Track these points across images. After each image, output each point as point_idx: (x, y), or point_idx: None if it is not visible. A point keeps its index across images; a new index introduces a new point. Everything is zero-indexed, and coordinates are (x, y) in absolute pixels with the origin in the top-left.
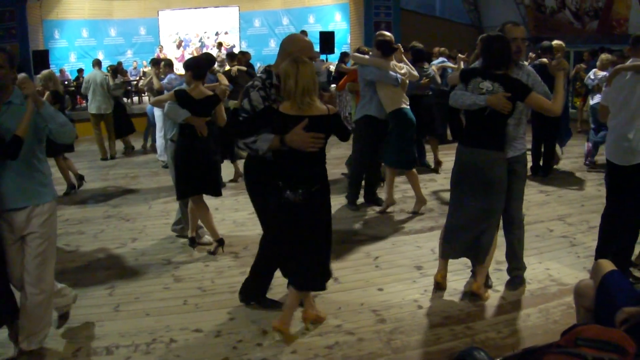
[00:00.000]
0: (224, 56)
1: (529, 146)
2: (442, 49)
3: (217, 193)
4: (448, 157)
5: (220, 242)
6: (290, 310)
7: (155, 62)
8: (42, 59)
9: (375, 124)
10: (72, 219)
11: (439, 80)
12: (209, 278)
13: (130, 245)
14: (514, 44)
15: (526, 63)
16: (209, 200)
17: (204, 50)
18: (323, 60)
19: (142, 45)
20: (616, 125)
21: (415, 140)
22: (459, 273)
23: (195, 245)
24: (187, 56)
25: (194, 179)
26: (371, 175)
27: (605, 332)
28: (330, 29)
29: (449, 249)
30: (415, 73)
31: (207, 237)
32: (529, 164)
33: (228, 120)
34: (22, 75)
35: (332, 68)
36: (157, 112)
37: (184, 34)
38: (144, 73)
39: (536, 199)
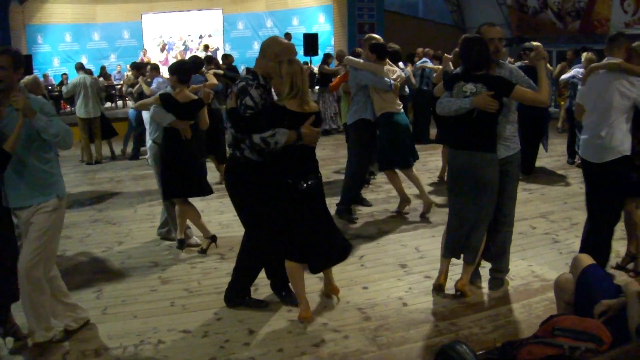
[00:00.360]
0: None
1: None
2: (427, 49)
3: (203, 193)
4: (432, 157)
5: (213, 238)
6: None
7: (135, 66)
8: (26, 64)
9: (372, 127)
10: None
11: (413, 81)
12: (196, 279)
13: (117, 248)
14: (492, 44)
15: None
16: (194, 202)
17: (188, 54)
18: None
19: (125, 49)
20: (590, 123)
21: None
22: None
23: (184, 247)
24: (171, 60)
25: (179, 181)
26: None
27: (581, 322)
28: (313, 30)
29: (450, 252)
30: (403, 74)
31: (195, 239)
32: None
33: (234, 119)
34: (29, 77)
35: (316, 70)
36: (146, 115)
37: (167, 38)
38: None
39: (519, 197)
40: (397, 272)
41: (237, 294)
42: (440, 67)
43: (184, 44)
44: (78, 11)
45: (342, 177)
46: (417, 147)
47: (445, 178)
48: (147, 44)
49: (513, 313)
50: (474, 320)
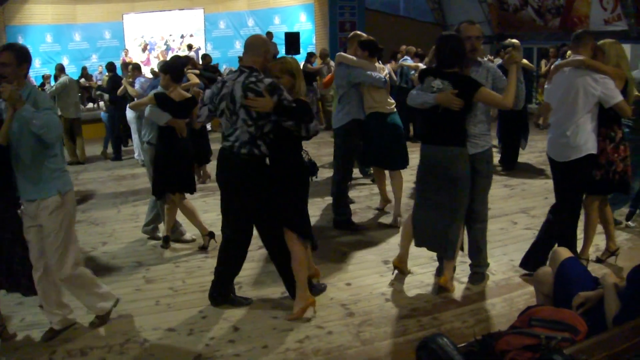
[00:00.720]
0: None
1: (495, 142)
2: (409, 47)
3: (192, 190)
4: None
5: (211, 235)
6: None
7: (110, 67)
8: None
9: (362, 127)
10: None
11: (394, 77)
12: (180, 278)
13: (101, 249)
14: (469, 42)
15: (486, 59)
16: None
17: (170, 53)
18: None
19: (107, 50)
20: (556, 121)
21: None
22: (425, 266)
23: (168, 245)
24: (153, 60)
25: (171, 178)
26: None
27: (557, 313)
28: (295, 29)
29: (418, 239)
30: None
31: (189, 234)
32: (497, 157)
33: (284, 113)
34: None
35: None
36: (130, 114)
37: (149, 38)
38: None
39: (501, 192)
40: (379, 268)
41: (223, 292)
42: (420, 64)
43: (165, 43)
44: (58, 11)
45: (326, 174)
46: None
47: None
48: (129, 44)
49: (495, 307)
50: (456, 315)
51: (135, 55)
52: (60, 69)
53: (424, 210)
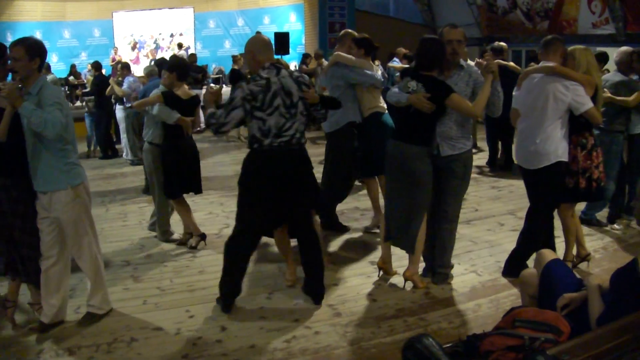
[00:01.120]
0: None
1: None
2: (399, 49)
3: (200, 190)
4: None
5: (203, 236)
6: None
7: (96, 66)
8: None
9: (358, 130)
10: None
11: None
12: (168, 278)
13: None
14: (450, 46)
15: (472, 63)
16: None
17: (159, 52)
18: None
19: (96, 48)
20: (525, 128)
21: None
22: None
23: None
24: (142, 58)
25: (184, 179)
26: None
27: (540, 314)
28: (285, 29)
29: (387, 233)
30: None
31: (176, 235)
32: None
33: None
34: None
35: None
36: (120, 114)
37: (138, 36)
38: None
39: (488, 194)
40: (366, 269)
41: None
42: (406, 66)
43: (155, 42)
44: (48, 9)
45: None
46: None
47: None
48: (118, 42)
49: (481, 308)
50: (443, 315)
51: (125, 54)
52: (46, 68)
53: (391, 205)
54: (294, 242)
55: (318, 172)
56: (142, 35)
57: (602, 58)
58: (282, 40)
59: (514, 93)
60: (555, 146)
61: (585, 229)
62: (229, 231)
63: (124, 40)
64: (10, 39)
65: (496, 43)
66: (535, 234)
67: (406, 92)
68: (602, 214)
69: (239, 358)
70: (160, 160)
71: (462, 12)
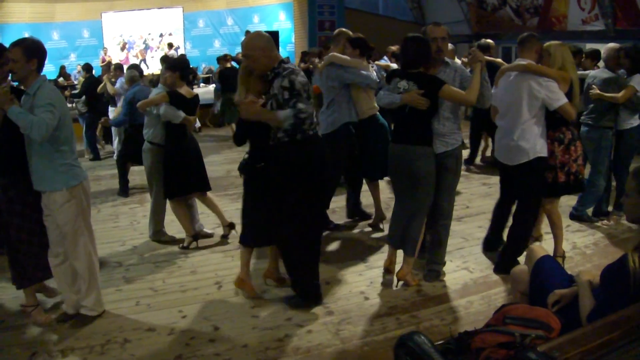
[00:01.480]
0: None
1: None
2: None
3: (207, 187)
4: None
5: (195, 237)
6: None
7: (87, 68)
8: None
9: (356, 131)
10: None
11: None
12: (160, 278)
13: None
14: (434, 43)
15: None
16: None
17: (149, 52)
18: None
19: (85, 49)
20: (504, 125)
21: None
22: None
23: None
24: (132, 59)
25: (188, 178)
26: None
27: (531, 311)
28: (274, 28)
29: (390, 239)
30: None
31: (169, 235)
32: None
33: None
34: None
35: None
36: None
37: (128, 36)
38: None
39: (479, 190)
40: (358, 267)
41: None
42: (393, 65)
43: (144, 42)
44: (36, 10)
45: None
46: None
47: None
48: (108, 43)
49: (473, 304)
50: (435, 313)
51: (114, 54)
52: None
53: (396, 206)
54: None
55: None
56: (131, 36)
57: (595, 55)
58: (272, 39)
59: (492, 91)
60: (533, 142)
61: (576, 225)
62: (220, 231)
63: (114, 41)
64: None
65: (482, 40)
66: (524, 231)
67: (397, 93)
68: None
69: (232, 357)
70: (161, 160)
71: (452, 9)
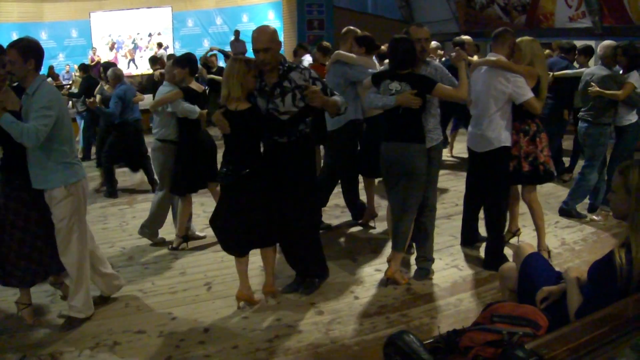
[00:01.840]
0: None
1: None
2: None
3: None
4: None
5: (185, 238)
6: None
7: (83, 68)
8: None
9: (359, 128)
10: None
11: None
12: (149, 280)
13: None
14: (418, 44)
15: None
16: (144, 203)
17: (138, 52)
18: None
19: (74, 49)
20: (475, 115)
21: None
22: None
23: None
24: (120, 58)
25: (202, 172)
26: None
27: (518, 308)
28: None
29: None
30: None
31: (161, 236)
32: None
33: None
34: None
35: None
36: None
37: (116, 36)
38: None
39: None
40: (348, 266)
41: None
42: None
43: (133, 42)
44: (25, 10)
45: None
46: None
47: None
48: (96, 43)
49: (462, 302)
50: (424, 311)
51: (103, 54)
52: None
53: (390, 205)
54: None
55: None
56: (120, 35)
57: (588, 51)
58: None
59: None
60: (498, 132)
61: (565, 221)
62: (210, 231)
63: (102, 41)
64: None
65: (457, 37)
66: (498, 222)
67: (390, 94)
68: (585, 204)
69: (222, 359)
70: (173, 156)
71: (440, 7)
